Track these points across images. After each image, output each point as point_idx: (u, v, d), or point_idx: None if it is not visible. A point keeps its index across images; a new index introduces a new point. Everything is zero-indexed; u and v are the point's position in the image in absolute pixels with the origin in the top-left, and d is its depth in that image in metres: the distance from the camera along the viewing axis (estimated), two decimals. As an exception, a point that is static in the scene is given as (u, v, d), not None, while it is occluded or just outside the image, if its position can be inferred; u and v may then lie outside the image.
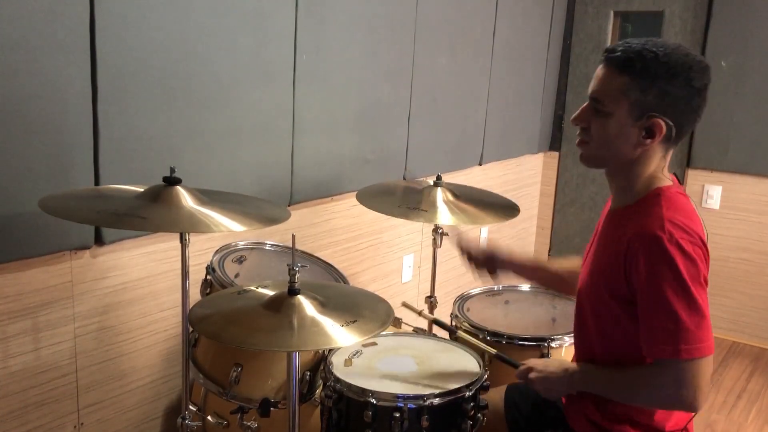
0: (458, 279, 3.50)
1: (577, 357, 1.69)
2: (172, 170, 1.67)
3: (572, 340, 1.81)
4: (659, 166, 1.51)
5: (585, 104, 1.51)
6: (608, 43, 4.13)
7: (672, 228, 1.38)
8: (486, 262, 1.95)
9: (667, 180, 1.51)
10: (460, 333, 1.74)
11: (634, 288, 1.42)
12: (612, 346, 1.54)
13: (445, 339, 2.02)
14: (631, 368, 1.49)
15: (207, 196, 1.70)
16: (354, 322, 1.47)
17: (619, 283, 1.45)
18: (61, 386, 1.94)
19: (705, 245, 1.43)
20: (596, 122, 1.48)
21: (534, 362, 1.65)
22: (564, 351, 2.08)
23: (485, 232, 3.88)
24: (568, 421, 1.66)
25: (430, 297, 2.47)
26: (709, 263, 1.45)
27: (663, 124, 1.43)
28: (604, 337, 1.55)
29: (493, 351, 1.72)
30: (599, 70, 1.49)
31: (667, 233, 1.37)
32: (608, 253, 1.50)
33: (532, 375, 1.62)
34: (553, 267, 1.92)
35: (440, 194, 2.28)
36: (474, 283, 2.25)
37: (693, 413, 1.48)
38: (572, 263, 1.89)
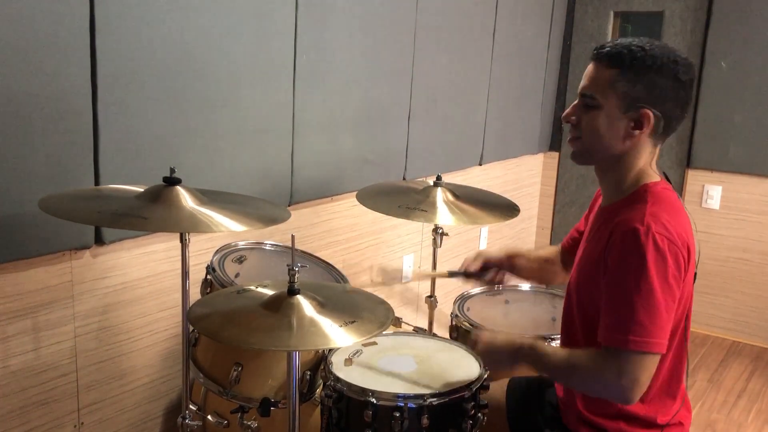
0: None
1: None
2: (172, 170, 1.67)
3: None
4: (647, 161, 1.54)
5: (575, 102, 1.56)
6: (608, 44, 4.13)
7: (651, 222, 1.40)
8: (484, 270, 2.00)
9: (655, 176, 1.54)
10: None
11: (605, 274, 1.45)
12: (595, 338, 1.54)
13: (445, 339, 2.02)
14: (578, 350, 1.51)
15: (207, 196, 1.70)
16: (353, 322, 1.47)
17: (601, 273, 1.47)
18: (61, 386, 1.94)
19: (686, 244, 1.44)
20: (586, 117, 1.52)
21: (482, 335, 1.67)
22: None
23: (485, 232, 3.88)
24: (563, 421, 1.66)
25: (430, 297, 2.47)
26: (689, 263, 1.45)
27: (651, 114, 1.47)
28: (588, 329, 1.56)
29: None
30: (589, 68, 1.54)
31: (645, 226, 1.40)
32: (595, 246, 1.53)
33: (479, 347, 1.64)
34: (531, 255, 1.97)
35: (440, 194, 2.28)
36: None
37: (627, 405, 1.47)
38: (548, 251, 1.95)
